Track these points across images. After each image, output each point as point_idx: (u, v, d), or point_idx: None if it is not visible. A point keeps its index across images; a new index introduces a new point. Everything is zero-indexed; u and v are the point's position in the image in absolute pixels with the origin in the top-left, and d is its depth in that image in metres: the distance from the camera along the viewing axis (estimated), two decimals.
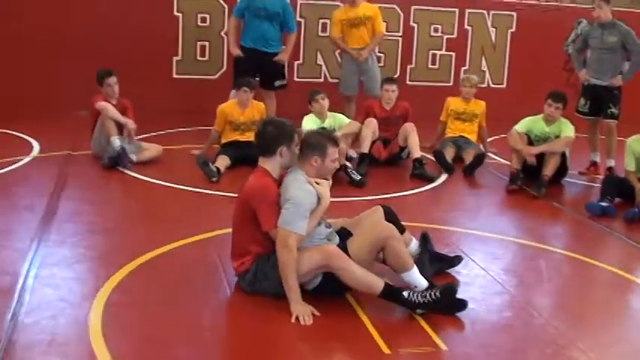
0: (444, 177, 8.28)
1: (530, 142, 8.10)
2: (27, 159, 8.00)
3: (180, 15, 11.11)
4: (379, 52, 11.54)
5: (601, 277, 5.65)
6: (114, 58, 10.18)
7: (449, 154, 8.78)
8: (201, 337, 4.24)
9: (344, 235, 4.95)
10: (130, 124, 8.01)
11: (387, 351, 4.19)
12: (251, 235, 4.74)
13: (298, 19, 11.37)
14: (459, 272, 5.36)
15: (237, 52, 9.37)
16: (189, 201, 6.94)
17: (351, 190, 7.53)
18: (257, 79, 8.96)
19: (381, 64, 11.57)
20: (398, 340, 4.34)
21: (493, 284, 5.24)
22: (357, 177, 7.68)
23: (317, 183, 4.75)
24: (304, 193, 4.66)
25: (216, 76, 11.17)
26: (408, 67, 11.97)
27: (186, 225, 6.02)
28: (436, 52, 11.99)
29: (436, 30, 11.93)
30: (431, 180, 8.04)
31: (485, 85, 12.10)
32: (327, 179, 4.90)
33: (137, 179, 7.50)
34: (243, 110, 8.33)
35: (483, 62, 12.16)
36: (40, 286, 4.74)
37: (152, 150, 8.25)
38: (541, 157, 7.96)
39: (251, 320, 4.53)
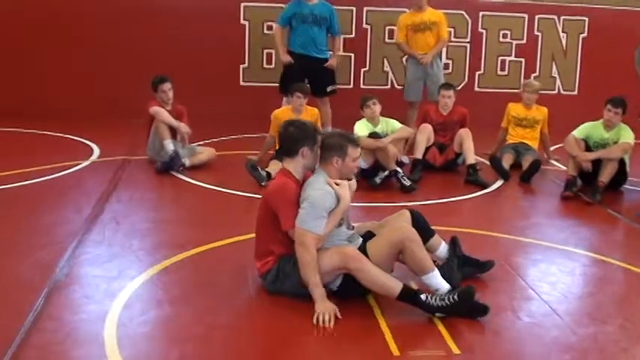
0: (499, 183, 8.11)
1: (589, 148, 7.88)
2: (85, 163, 8.26)
3: (246, 23, 11.29)
4: (447, 59, 11.50)
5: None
6: (181, 66, 10.58)
7: (508, 160, 8.63)
8: (211, 335, 4.28)
9: (369, 238, 4.92)
10: (183, 127, 8.16)
11: (396, 353, 4.15)
12: (273, 236, 4.77)
13: (364, 25, 11.43)
14: (493, 277, 5.24)
15: (288, 59, 9.50)
16: (234, 204, 7.02)
17: (403, 195, 7.48)
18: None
19: (449, 71, 11.55)
20: (411, 342, 4.30)
21: (526, 291, 5.09)
22: (407, 183, 7.62)
23: (337, 184, 4.74)
24: (321, 193, 4.66)
25: None
26: (477, 73, 11.81)
27: (226, 227, 6.09)
28: (505, 58, 11.81)
29: (505, 36, 11.75)
30: (484, 186, 7.91)
31: (555, 92, 11.89)
32: (350, 179, 4.89)
33: (187, 183, 7.64)
34: (298, 116, 8.36)
35: (554, 68, 11.92)
36: (68, 283, 4.89)
37: (205, 154, 8.39)
38: (599, 164, 7.72)
39: (265, 319, 4.57)
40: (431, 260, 4.81)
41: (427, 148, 8.46)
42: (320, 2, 9.53)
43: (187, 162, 8.07)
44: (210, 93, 10.97)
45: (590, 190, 7.56)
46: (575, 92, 11.95)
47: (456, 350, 4.21)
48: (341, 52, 10.01)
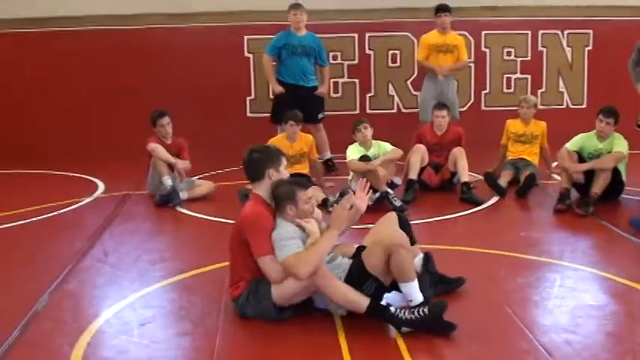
0: (495, 200, 8.12)
1: (583, 160, 7.86)
2: (88, 199, 8.45)
3: (250, 56, 11.46)
4: None
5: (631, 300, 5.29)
6: (189, 101, 11.03)
7: (506, 176, 8.64)
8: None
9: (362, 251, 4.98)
10: (180, 164, 8.33)
11: None
12: (244, 262, 4.87)
13: (367, 51, 11.55)
14: (464, 293, 5.26)
15: (279, 88, 9.79)
16: (226, 232, 7.09)
17: None
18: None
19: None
20: (364, 356, 4.35)
21: (497, 307, 5.06)
22: (398, 203, 7.69)
23: (306, 222, 4.84)
24: (278, 229, 4.77)
25: None
26: (482, 92, 11.82)
27: (212, 254, 6.15)
28: (510, 75, 11.80)
29: (509, 53, 11.76)
30: (478, 203, 7.94)
31: (564, 106, 11.84)
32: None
33: (184, 215, 7.80)
34: (292, 143, 8.51)
35: (561, 83, 11.85)
36: (46, 314, 5.06)
37: (204, 187, 8.56)
38: (593, 175, 7.69)
39: (229, 340, 4.66)
40: (414, 271, 4.82)
41: (423, 169, 8.50)
42: (308, 34, 9.84)
43: (185, 195, 8.22)
44: (217, 125, 11.20)
45: (583, 202, 7.51)
46: (584, 105, 11.85)
47: None
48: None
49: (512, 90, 11.75)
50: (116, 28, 11.37)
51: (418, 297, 4.72)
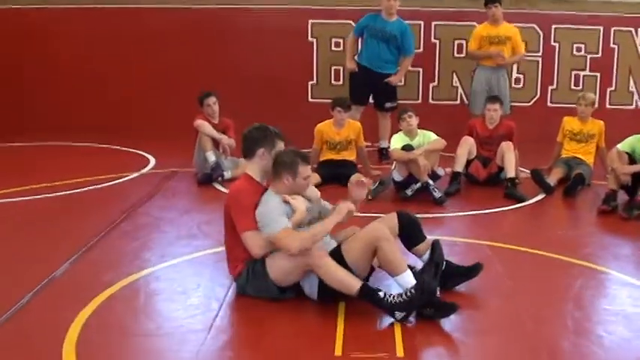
0: (540, 197, 7.95)
1: (634, 162, 7.60)
2: (135, 174, 8.66)
3: (314, 40, 11.47)
4: (517, 73, 11.35)
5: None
6: (251, 84, 11.12)
7: (556, 174, 8.44)
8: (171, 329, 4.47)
9: None
10: (225, 139, 8.41)
11: (338, 353, 4.20)
12: (237, 240, 4.90)
13: (433, 40, 11.42)
14: (478, 289, 5.17)
15: (352, 65, 9.78)
16: None
17: (434, 207, 7.50)
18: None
19: (520, 85, 11.37)
20: (358, 345, 4.31)
21: (510, 305, 4.99)
22: (438, 195, 7.60)
23: (293, 198, 4.87)
24: (265, 205, 4.80)
25: None
26: (549, 87, 11.53)
27: None
28: (579, 72, 11.46)
29: (579, 49, 11.41)
30: (521, 200, 7.77)
31: (633, 107, 11.45)
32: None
33: (223, 194, 7.83)
34: (339, 130, 8.51)
35: (631, 82, 11.44)
36: (62, 282, 5.23)
37: None
38: None
39: (228, 319, 4.71)
40: (404, 261, 4.78)
41: (470, 162, 8.37)
42: (396, 20, 9.71)
43: (229, 174, 8.30)
44: (279, 109, 11.18)
45: (629, 205, 7.28)
46: None
47: (400, 353, 4.21)
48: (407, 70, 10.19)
49: (580, 87, 11.37)
50: (176, 7, 11.54)
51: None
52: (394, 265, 4.72)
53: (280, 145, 4.99)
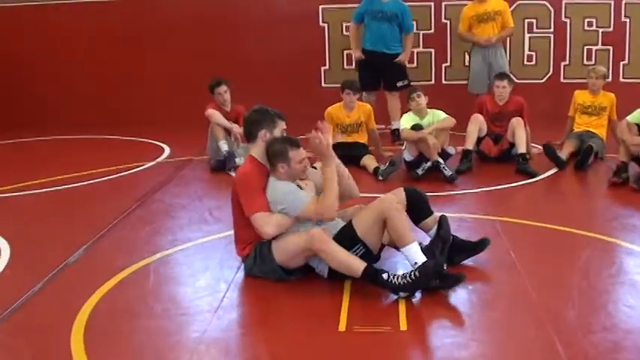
0: (553, 171, 7.95)
1: None
2: (150, 163, 8.78)
3: (325, 25, 11.51)
4: (530, 51, 11.32)
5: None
6: (263, 71, 11.23)
7: (568, 148, 8.43)
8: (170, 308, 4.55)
9: None
10: (236, 128, 8.46)
11: (342, 329, 4.25)
12: (244, 222, 4.97)
13: (443, 20, 11.41)
14: (484, 261, 5.21)
15: (359, 54, 9.78)
16: None
17: (446, 185, 7.54)
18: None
19: (533, 63, 11.34)
20: (362, 320, 4.36)
21: (516, 278, 4.98)
22: (449, 173, 7.63)
23: (305, 184, 4.97)
24: (276, 188, 4.87)
25: None
26: (562, 64, 11.47)
27: None
28: (591, 47, 11.37)
29: (590, 24, 11.31)
30: (533, 175, 7.78)
31: None
32: (303, 178, 5.05)
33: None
34: (349, 112, 8.55)
35: None
36: (74, 267, 5.36)
37: None
38: None
39: (235, 299, 4.80)
40: (411, 233, 4.83)
41: (481, 139, 8.38)
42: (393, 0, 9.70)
43: (242, 160, 8.33)
44: (292, 95, 11.23)
45: (638, 177, 7.27)
46: None
47: (403, 327, 4.26)
48: (411, 49, 10.22)
49: (592, 62, 11.27)
50: None
51: (421, 259, 4.70)
52: (402, 236, 4.76)
53: (282, 125, 5.04)
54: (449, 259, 5.10)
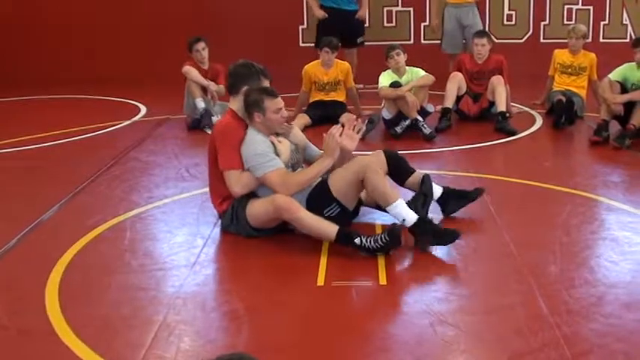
0: (533, 129, 7.94)
1: (626, 91, 7.52)
2: (126, 122, 8.66)
3: None
4: (509, 10, 11.24)
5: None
6: (241, 29, 11.06)
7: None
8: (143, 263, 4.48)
9: None
10: (212, 86, 8.32)
11: (321, 283, 4.20)
12: (220, 175, 4.89)
13: None
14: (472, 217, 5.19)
15: (322, 13, 9.79)
16: None
17: (424, 143, 7.48)
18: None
19: (512, 22, 11.27)
20: (341, 275, 4.33)
21: (497, 233, 4.96)
22: (427, 131, 7.57)
23: (279, 141, 4.85)
24: (253, 146, 4.76)
25: None
26: (542, 24, 11.41)
27: None
28: (572, 6, 11.33)
29: None
30: (512, 134, 7.73)
31: (627, 40, 11.27)
32: (280, 132, 4.94)
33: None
34: (327, 70, 8.45)
35: (624, 15, 11.30)
36: (49, 224, 5.27)
37: None
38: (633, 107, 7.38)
39: (212, 255, 4.74)
40: (394, 191, 4.77)
41: (460, 97, 8.32)
42: None
43: (217, 119, 8.22)
44: (270, 54, 11.03)
45: (620, 135, 7.24)
46: None
47: (382, 281, 4.21)
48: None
49: (572, 22, 11.19)
50: None
51: (410, 216, 4.64)
52: (383, 195, 4.69)
53: (265, 83, 4.94)
54: (442, 209, 5.15)
